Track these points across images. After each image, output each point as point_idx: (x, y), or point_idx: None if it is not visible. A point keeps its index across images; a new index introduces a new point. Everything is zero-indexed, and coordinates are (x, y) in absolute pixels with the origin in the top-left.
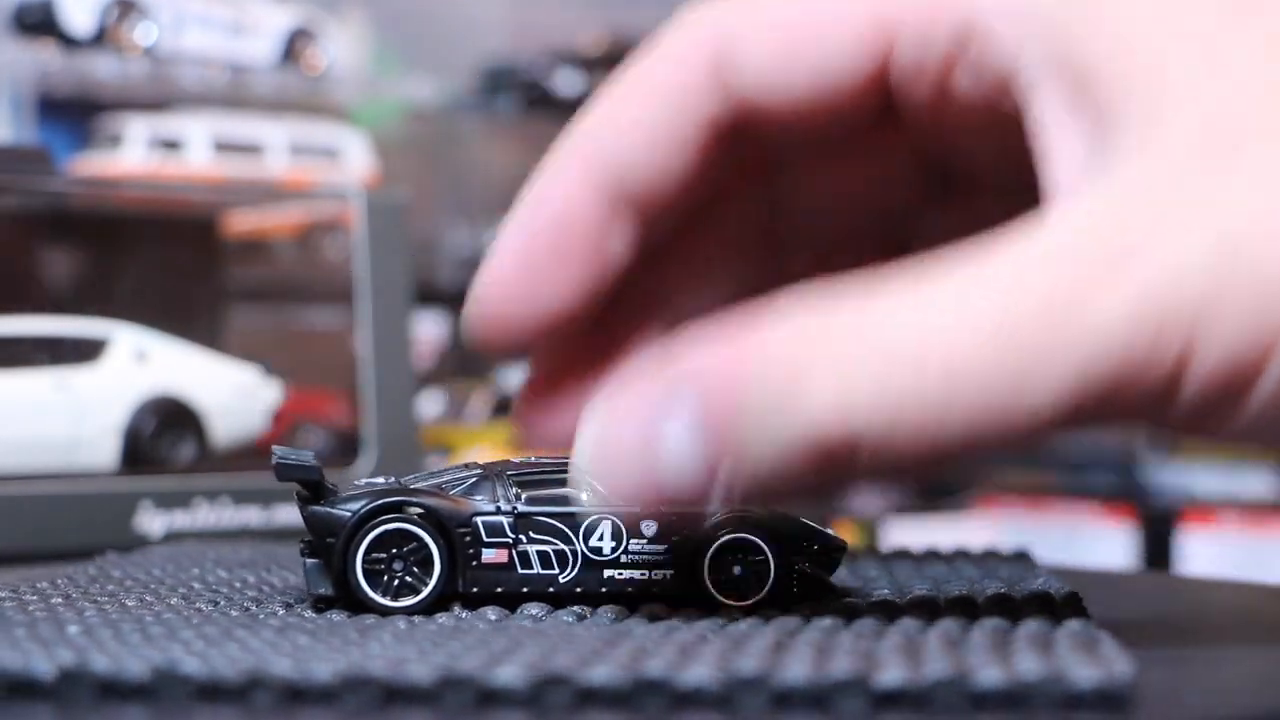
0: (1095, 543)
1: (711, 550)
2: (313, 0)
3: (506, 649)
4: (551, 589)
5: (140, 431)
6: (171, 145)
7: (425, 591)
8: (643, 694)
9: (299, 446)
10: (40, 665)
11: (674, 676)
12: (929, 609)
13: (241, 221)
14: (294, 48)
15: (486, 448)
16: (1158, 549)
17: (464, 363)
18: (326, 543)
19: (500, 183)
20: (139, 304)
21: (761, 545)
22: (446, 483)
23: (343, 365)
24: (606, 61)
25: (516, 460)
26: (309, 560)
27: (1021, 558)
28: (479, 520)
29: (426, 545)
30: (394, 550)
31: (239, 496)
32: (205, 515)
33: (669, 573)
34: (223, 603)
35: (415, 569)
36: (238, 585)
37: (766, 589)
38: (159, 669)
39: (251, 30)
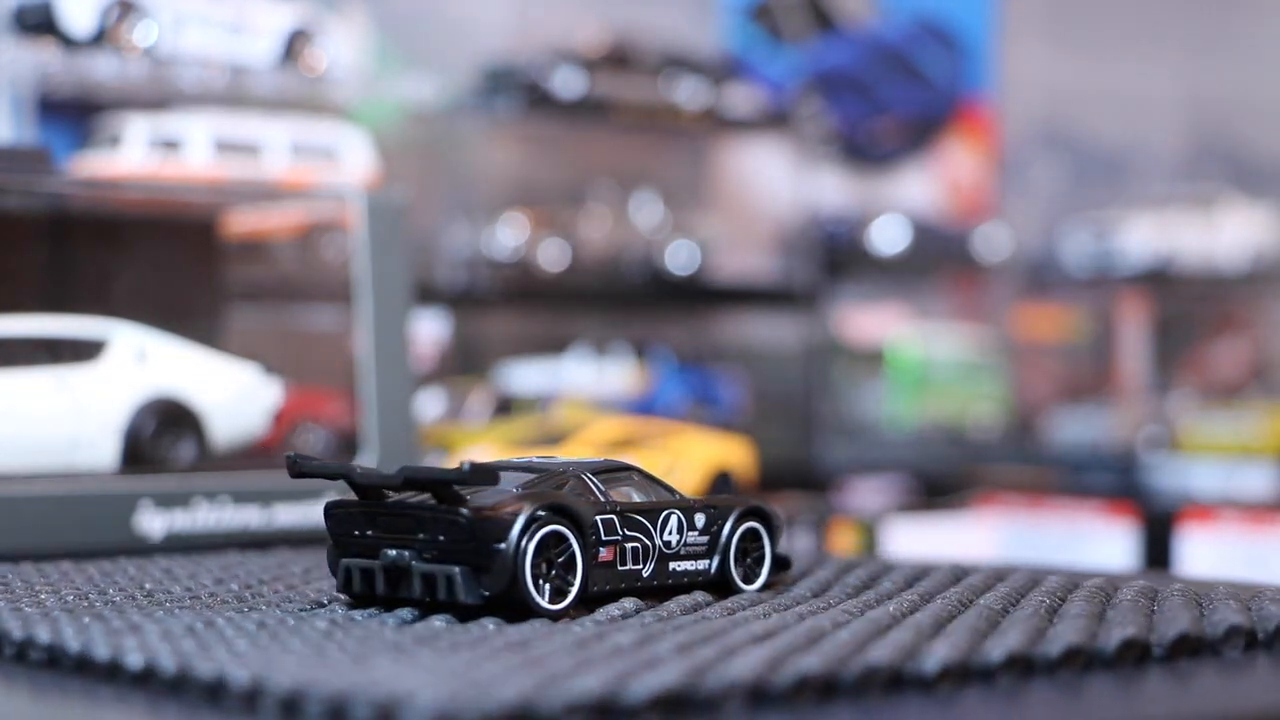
0: (1095, 543)
1: (737, 538)
2: (313, 0)
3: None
4: (638, 583)
5: (140, 431)
6: (171, 145)
7: (573, 593)
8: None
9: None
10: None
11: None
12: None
13: (241, 221)
14: (294, 48)
15: (486, 447)
16: (1158, 549)
17: (464, 362)
18: (495, 549)
19: (500, 183)
20: (139, 304)
21: (761, 533)
22: (542, 481)
23: (343, 365)
24: (606, 61)
25: (576, 459)
26: (458, 569)
27: None
28: (598, 519)
29: (571, 546)
30: (544, 553)
31: (239, 496)
32: (205, 515)
33: (709, 562)
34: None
35: (559, 570)
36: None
37: (767, 572)
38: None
39: (251, 30)
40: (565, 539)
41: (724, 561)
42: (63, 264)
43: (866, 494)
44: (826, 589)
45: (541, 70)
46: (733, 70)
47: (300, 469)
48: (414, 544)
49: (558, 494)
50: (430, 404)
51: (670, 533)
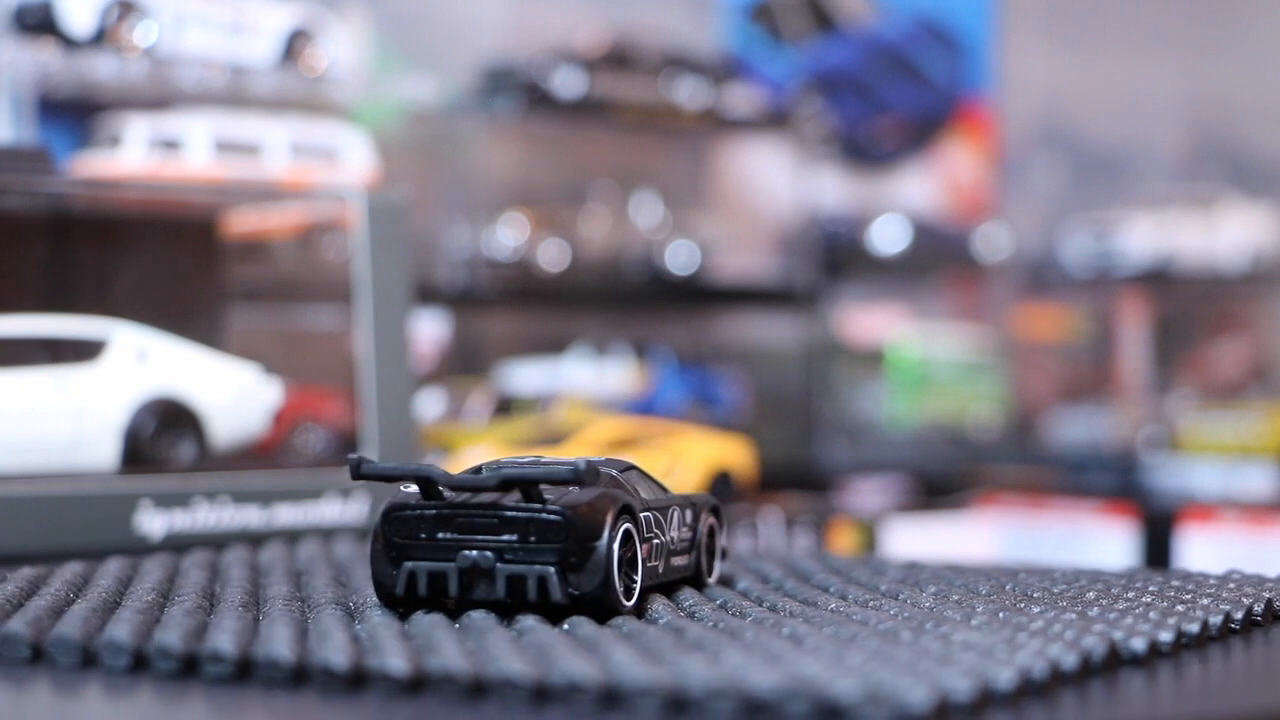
0: (1095, 543)
1: (707, 533)
2: (313, 0)
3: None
4: (655, 579)
5: (140, 431)
6: (171, 145)
7: (637, 590)
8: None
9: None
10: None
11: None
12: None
13: (241, 221)
14: (294, 48)
15: (487, 447)
16: (1158, 549)
17: (464, 362)
18: (591, 547)
19: (500, 183)
20: (139, 304)
21: (716, 527)
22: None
23: (343, 365)
24: (606, 61)
25: (595, 459)
26: (551, 568)
27: None
28: (642, 516)
29: (635, 544)
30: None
31: (239, 496)
32: (205, 515)
33: (690, 557)
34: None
35: (625, 568)
36: None
37: (719, 563)
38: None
39: (251, 30)
40: (632, 537)
41: (698, 556)
42: (63, 264)
43: (866, 494)
44: (774, 587)
45: (541, 70)
46: (733, 70)
47: (364, 472)
48: (495, 545)
49: (622, 493)
50: (430, 404)
51: (674, 529)
